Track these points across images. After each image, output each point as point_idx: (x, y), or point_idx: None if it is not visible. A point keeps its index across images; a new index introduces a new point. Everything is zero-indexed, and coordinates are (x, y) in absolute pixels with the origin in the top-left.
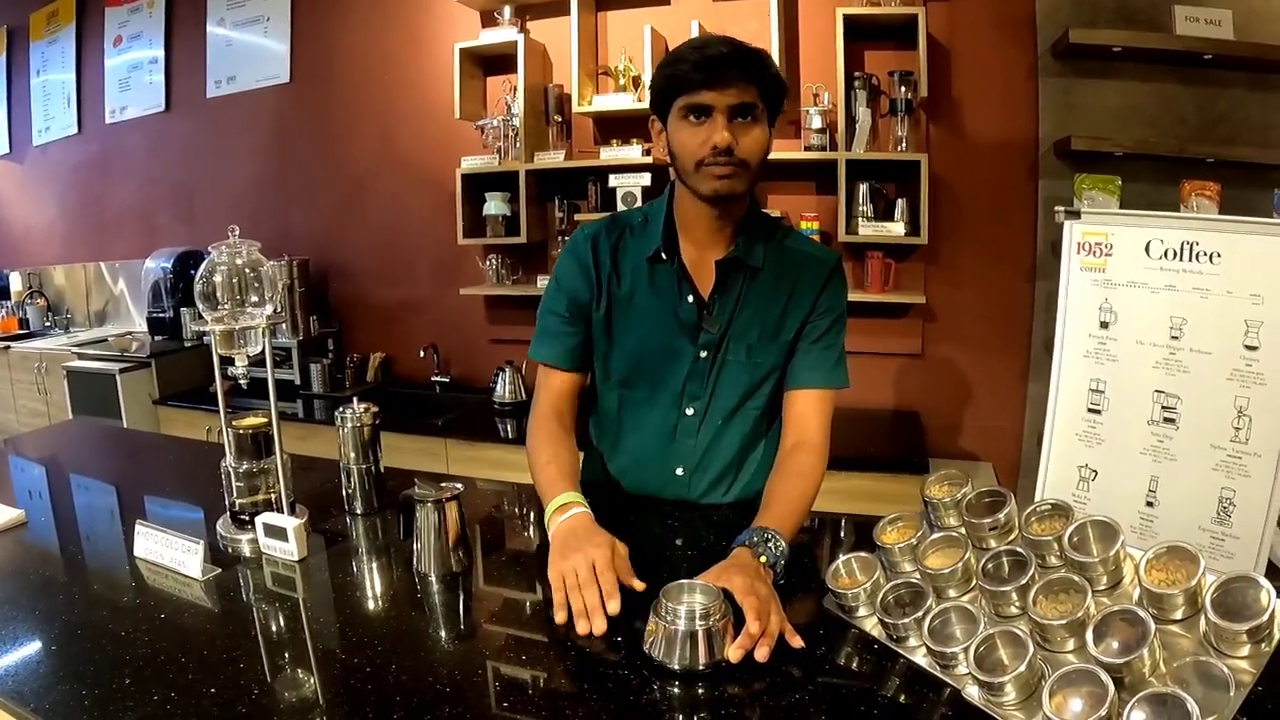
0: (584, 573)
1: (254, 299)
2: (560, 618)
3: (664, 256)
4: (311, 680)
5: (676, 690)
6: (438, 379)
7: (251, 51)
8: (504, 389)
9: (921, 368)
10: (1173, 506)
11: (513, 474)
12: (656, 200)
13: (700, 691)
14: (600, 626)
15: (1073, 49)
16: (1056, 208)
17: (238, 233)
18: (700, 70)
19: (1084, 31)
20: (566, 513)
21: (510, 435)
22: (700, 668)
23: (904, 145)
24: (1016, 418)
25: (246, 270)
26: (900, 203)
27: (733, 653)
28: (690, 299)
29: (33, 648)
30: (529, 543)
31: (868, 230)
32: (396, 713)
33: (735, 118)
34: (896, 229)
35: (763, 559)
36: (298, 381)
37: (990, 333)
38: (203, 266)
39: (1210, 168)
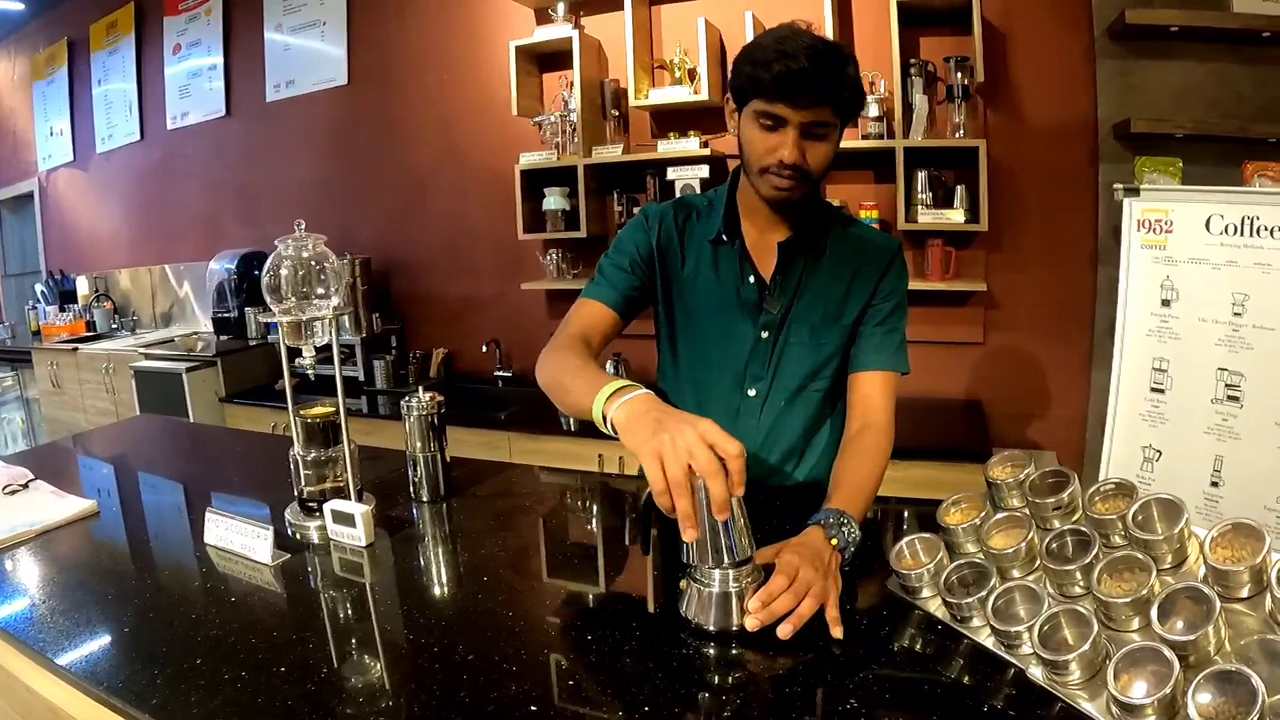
0: (702, 456)
1: (320, 291)
2: (676, 507)
3: (725, 239)
4: (379, 660)
5: (720, 655)
6: (500, 373)
7: (309, 55)
8: None
9: (984, 356)
10: (1238, 485)
11: (575, 465)
12: (722, 185)
13: (759, 666)
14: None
15: (1129, 29)
16: (1115, 185)
17: (303, 226)
18: (780, 85)
19: (1140, 11)
20: (629, 393)
21: (573, 428)
22: (734, 629)
23: (962, 131)
24: (1080, 405)
25: (312, 263)
26: (959, 189)
27: (747, 620)
28: (752, 279)
29: (106, 630)
30: (589, 529)
31: (927, 218)
32: (462, 690)
33: (807, 134)
34: (956, 216)
35: (834, 541)
36: (362, 378)
37: (1053, 319)
38: (269, 260)
39: (1273, 148)
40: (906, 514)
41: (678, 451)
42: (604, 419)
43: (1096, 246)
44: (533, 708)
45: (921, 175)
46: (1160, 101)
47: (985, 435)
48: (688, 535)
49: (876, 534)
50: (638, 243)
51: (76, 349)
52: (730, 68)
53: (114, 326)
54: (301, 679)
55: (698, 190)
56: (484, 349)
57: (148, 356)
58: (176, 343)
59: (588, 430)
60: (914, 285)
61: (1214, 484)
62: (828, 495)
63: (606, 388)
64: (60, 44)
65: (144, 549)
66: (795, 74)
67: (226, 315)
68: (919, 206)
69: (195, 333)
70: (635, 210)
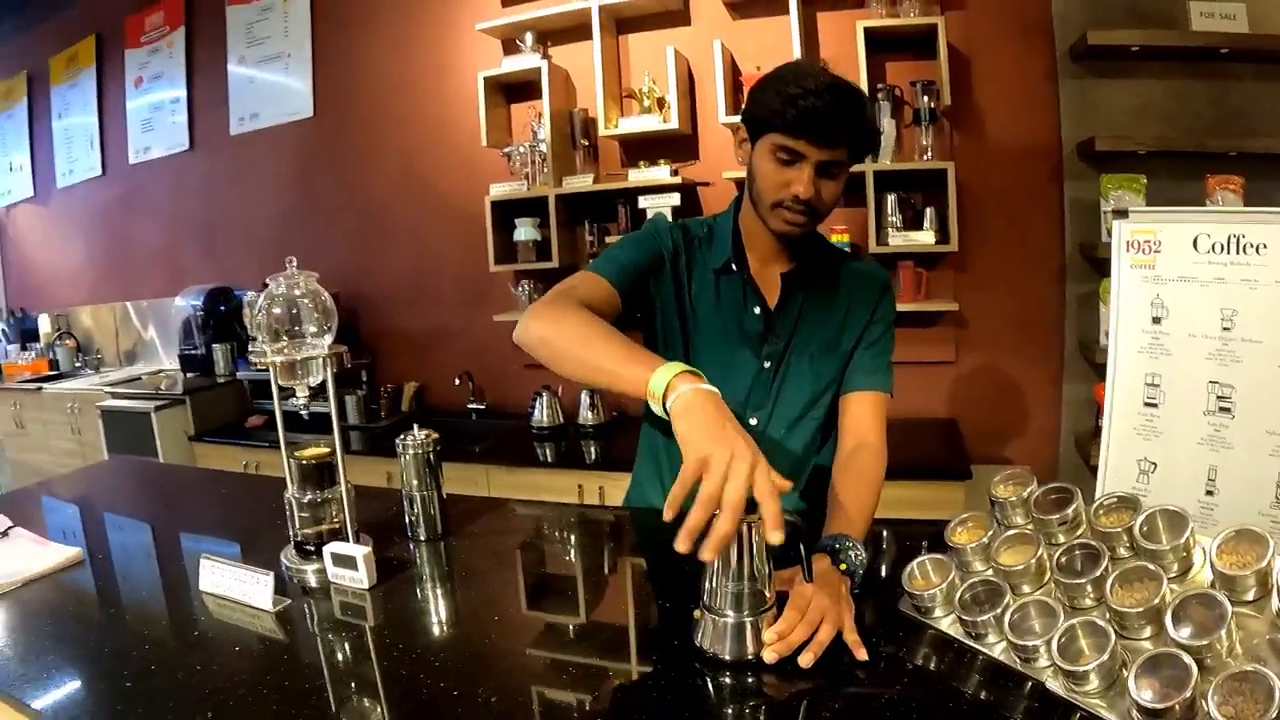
0: (738, 478)
1: (313, 329)
2: (687, 538)
3: (734, 268)
4: (396, 707)
5: (738, 684)
6: (473, 406)
7: (273, 88)
8: (542, 413)
9: (956, 374)
10: (1232, 494)
11: (554, 496)
12: (721, 213)
13: (780, 695)
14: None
15: (1090, 50)
16: (1105, 209)
17: (295, 264)
18: (803, 122)
19: (1102, 33)
20: (697, 381)
21: (550, 459)
22: (750, 658)
23: (929, 154)
24: (1052, 420)
25: (305, 300)
26: (929, 211)
27: (765, 653)
28: (757, 310)
29: (107, 686)
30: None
31: (898, 240)
32: None
33: (822, 171)
34: (926, 238)
35: (843, 567)
36: (333, 414)
37: (1023, 337)
38: (261, 298)
39: (1232, 161)
40: (884, 534)
41: (726, 473)
42: (665, 392)
43: (1064, 264)
44: None
45: (891, 198)
46: (1120, 119)
47: (963, 453)
48: (680, 546)
49: (873, 555)
50: (650, 250)
51: (40, 388)
52: (747, 97)
53: (77, 365)
54: None
55: (670, 219)
56: (455, 382)
57: (114, 395)
58: (143, 381)
59: (566, 461)
60: None
61: (1209, 493)
62: (828, 519)
63: (673, 364)
64: (19, 77)
65: (135, 598)
66: (821, 112)
67: (194, 352)
68: (889, 229)
69: (161, 370)
70: (607, 240)
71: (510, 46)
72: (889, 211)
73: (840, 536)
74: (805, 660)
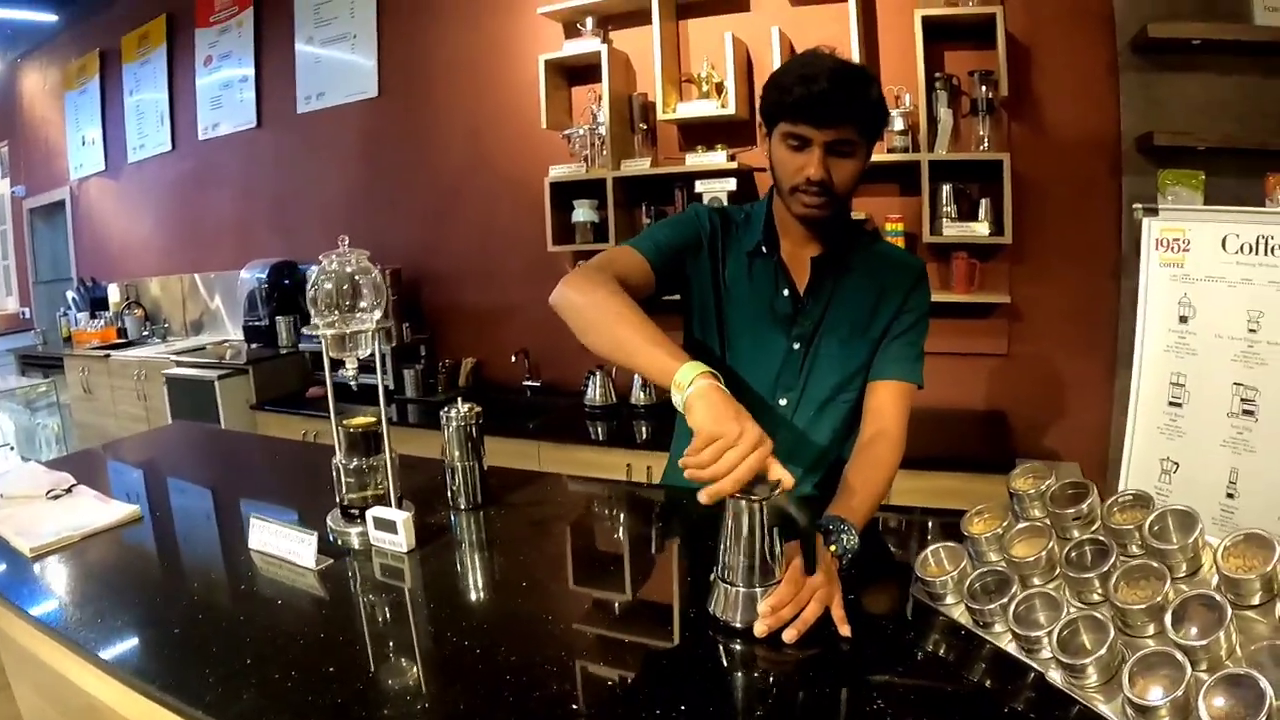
0: (744, 447)
1: (363, 305)
2: (700, 476)
3: (764, 250)
4: (425, 661)
5: (748, 654)
6: (529, 383)
7: (340, 68)
8: (594, 392)
9: (1007, 367)
10: (1253, 497)
11: (604, 473)
12: (759, 201)
13: (787, 666)
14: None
15: (1152, 43)
16: (1135, 205)
17: (347, 242)
18: (803, 106)
19: (1163, 25)
20: (716, 380)
21: (601, 438)
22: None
23: (986, 145)
24: (1103, 416)
25: (355, 278)
26: (984, 202)
27: (756, 626)
28: (786, 293)
29: (156, 630)
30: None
31: (952, 231)
32: (505, 690)
33: (832, 151)
34: (980, 229)
35: (833, 549)
36: (392, 386)
37: (1076, 331)
38: (315, 273)
39: None
40: (931, 524)
41: (729, 434)
42: (687, 384)
43: (1120, 258)
44: (574, 705)
45: (946, 188)
46: (1183, 114)
47: (1008, 446)
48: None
49: (902, 542)
50: (688, 231)
51: (108, 356)
52: (760, 94)
53: (145, 334)
54: (350, 679)
55: (725, 203)
56: (513, 359)
57: (179, 364)
58: (208, 350)
59: (616, 440)
60: (938, 297)
61: (1229, 495)
62: (834, 499)
63: (693, 365)
64: (92, 54)
65: (188, 553)
66: (817, 96)
67: (258, 324)
68: (944, 219)
69: (226, 340)
70: None
71: (571, 30)
72: (944, 201)
73: (837, 519)
74: (789, 636)
